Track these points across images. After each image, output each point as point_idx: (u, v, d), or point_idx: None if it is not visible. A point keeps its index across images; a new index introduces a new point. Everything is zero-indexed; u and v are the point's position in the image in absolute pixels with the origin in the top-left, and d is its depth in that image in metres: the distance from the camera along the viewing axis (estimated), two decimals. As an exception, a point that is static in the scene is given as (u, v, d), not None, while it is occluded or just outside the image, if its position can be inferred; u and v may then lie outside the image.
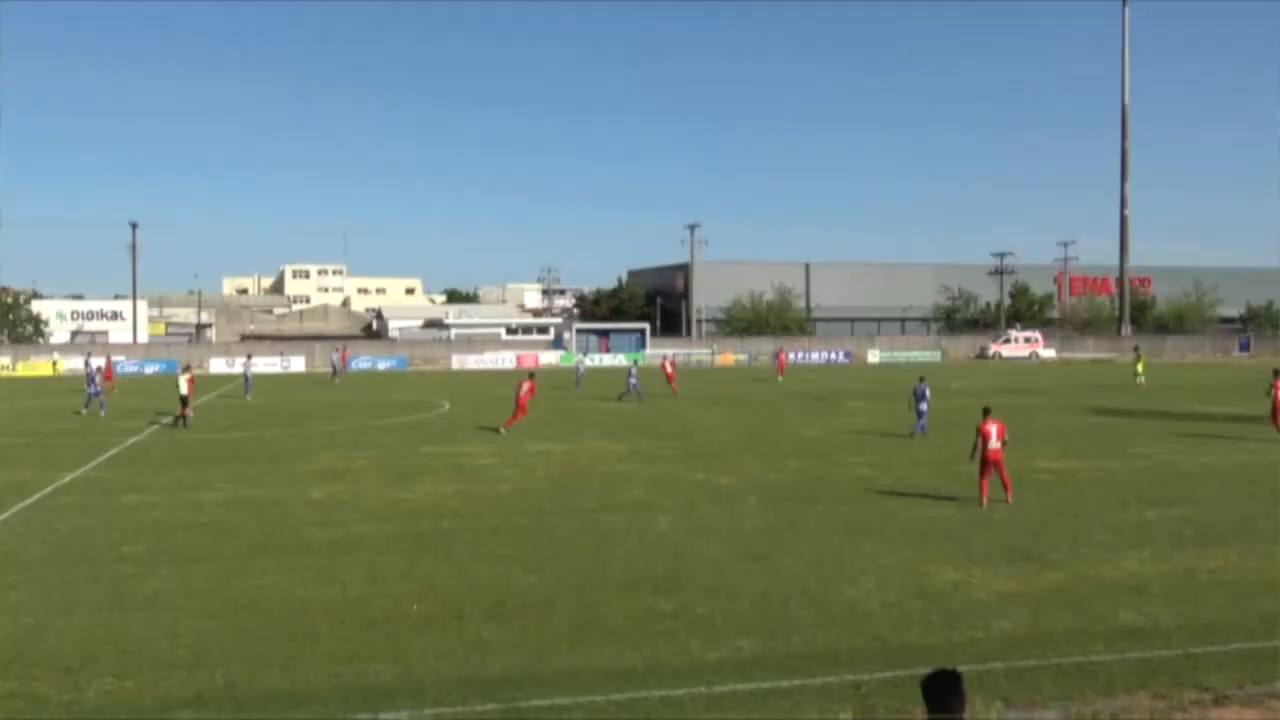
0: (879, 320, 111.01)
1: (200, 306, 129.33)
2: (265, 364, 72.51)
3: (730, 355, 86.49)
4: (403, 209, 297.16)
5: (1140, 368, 53.39)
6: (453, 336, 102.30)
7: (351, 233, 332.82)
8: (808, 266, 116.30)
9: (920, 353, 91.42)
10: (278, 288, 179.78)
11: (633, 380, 45.08)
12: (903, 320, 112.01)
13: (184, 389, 33.65)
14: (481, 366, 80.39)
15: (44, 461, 25.01)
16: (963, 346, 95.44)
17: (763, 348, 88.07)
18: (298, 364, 79.06)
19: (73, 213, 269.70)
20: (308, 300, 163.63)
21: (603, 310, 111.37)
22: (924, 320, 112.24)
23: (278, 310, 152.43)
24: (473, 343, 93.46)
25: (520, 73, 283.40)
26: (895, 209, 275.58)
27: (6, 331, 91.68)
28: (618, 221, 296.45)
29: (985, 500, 17.83)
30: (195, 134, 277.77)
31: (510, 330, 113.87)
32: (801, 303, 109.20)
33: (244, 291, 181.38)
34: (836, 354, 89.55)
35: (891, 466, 23.28)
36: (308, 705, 9.09)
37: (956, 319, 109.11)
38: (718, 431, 31.14)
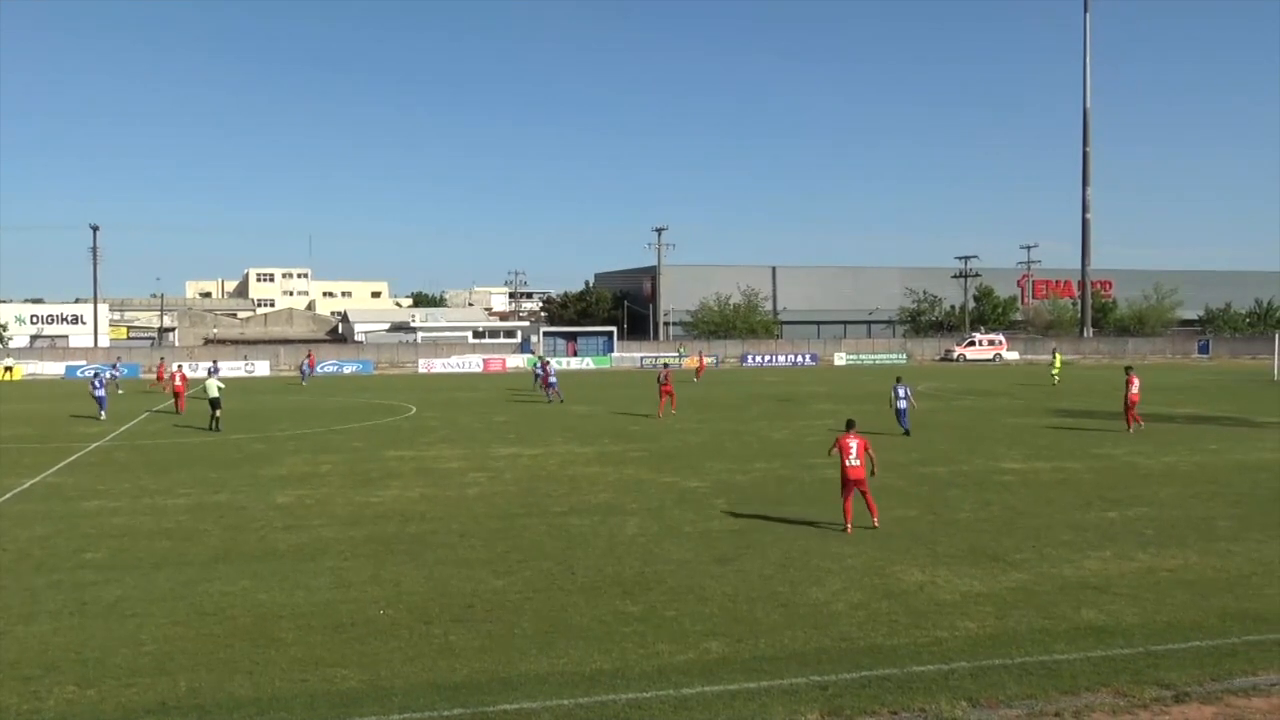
0: (845, 323, 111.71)
1: (163, 310, 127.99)
2: (229, 368, 71.84)
3: (696, 358, 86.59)
4: (368, 212, 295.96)
5: (1057, 366, 54.79)
6: (419, 340, 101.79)
7: (316, 236, 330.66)
8: (774, 270, 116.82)
9: (886, 355, 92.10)
10: (241, 291, 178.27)
11: (551, 380, 45.97)
12: (869, 323, 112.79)
13: (214, 392, 33.97)
14: (448, 370, 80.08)
15: (2, 468, 24.64)
16: (928, 349, 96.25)
17: (730, 350, 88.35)
18: (262, 368, 78.58)
19: (32, 215, 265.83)
20: (272, 304, 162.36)
21: (570, 313, 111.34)
22: (889, 323, 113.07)
23: (242, 314, 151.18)
24: (439, 346, 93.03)
25: (487, 75, 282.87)
26: (860, 213, 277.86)
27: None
28: (585, 225, 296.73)
29: (850, 524, 16.16)
30: (158, 136, 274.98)
31: (477, 334, 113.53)
32: (768, 305, 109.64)
33: (207, 295, 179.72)
34: (803, 356, 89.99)
35: (858, 468, 23.39)
36: (273, 712, 9.01)
37: (922, 321, 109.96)
38: (685, 434, 31.19)
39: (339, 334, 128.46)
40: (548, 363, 50.34)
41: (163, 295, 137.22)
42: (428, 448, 28.28)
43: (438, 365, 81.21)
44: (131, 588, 13.24)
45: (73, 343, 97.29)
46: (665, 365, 45.29)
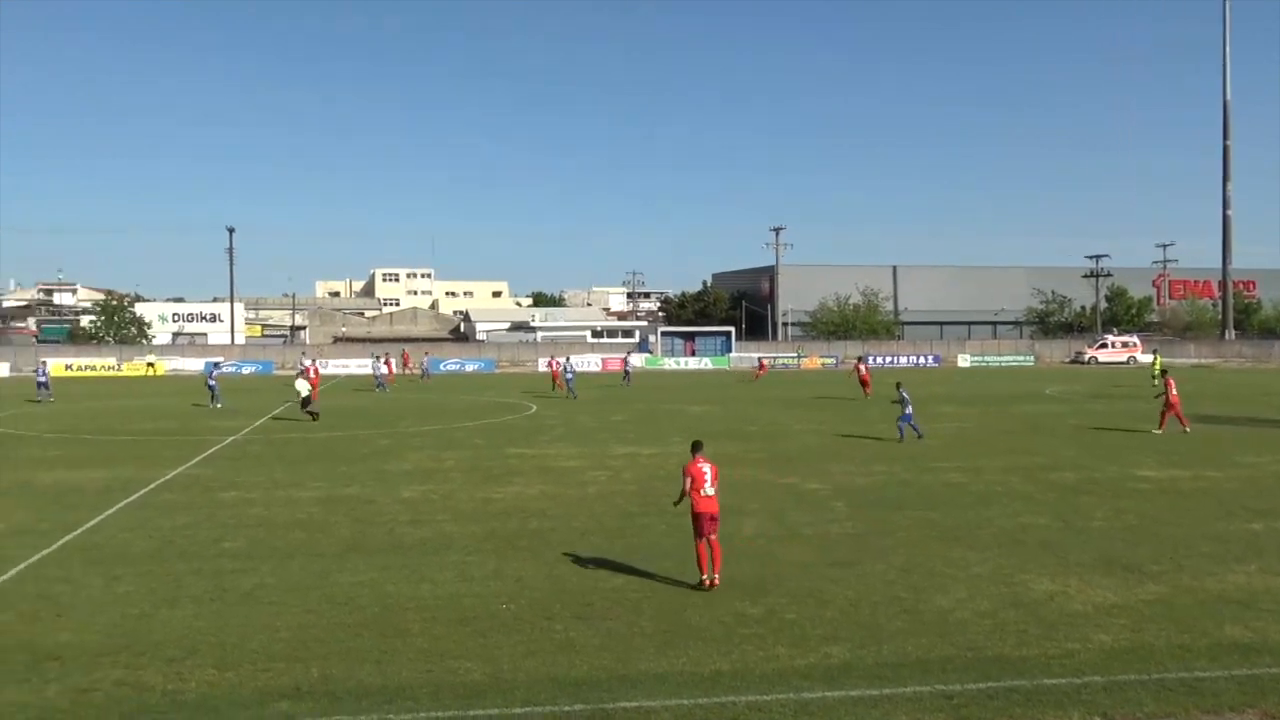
0: (969, 324, 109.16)
1: (294, 309, 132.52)
2: (358, 365, 74.12)
3: (816, 358, 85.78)
4: (490, 214, 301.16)
5: (1157, 369, 49.37)
6: (539, 339, 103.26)
7: (439, 237, 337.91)
8: (895, 269, 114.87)
9: (1013, 357, 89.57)
10: (368, 291, 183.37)
11: (569, 376, 48.22)
12: (994, 324, 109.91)
13: (304, 390, 37.03)
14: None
15: (147, 459, 25.87)
16: (1056, 351, 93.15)
17: (850, 351, 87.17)
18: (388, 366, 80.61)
19: (174, 218, 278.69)
20: (397, 303, 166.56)
21: (688, 313, 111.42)
22: (1016, 324, 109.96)
23: (369, 313, 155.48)
24: (558, 345, 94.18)
25: (607, 77, 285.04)
26: (986, 212, 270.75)
27: (112, 333, 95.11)
28: (703, 226, 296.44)
29: (706, 577, 12.96)
30: (290, 142, 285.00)
31: (595, 333, 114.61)
32: (889, 305, 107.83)
33: (336, 294, 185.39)
34: (925, 358, 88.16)
35: (982, 472, 22.83)
36: (400, 701, 9.24)
37: (1050, 323, 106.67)
38: (804, 435, 30.89)
39: (461, 333, 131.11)
40: (560, 360, 54.99)
41: (294, 295, 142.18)
42: (547, 446, 28.64)
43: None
44: (267, 576, 13.74)
45: (211, 340, 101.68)
46: (859, 359, 51.93)
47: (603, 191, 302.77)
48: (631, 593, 12.84)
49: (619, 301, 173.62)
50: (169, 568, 14.23)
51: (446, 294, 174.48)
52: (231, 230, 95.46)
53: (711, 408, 42.41)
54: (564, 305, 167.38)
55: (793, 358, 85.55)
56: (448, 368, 79.01)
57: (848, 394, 48.41)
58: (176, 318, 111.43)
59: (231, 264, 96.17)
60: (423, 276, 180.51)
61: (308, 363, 49.14)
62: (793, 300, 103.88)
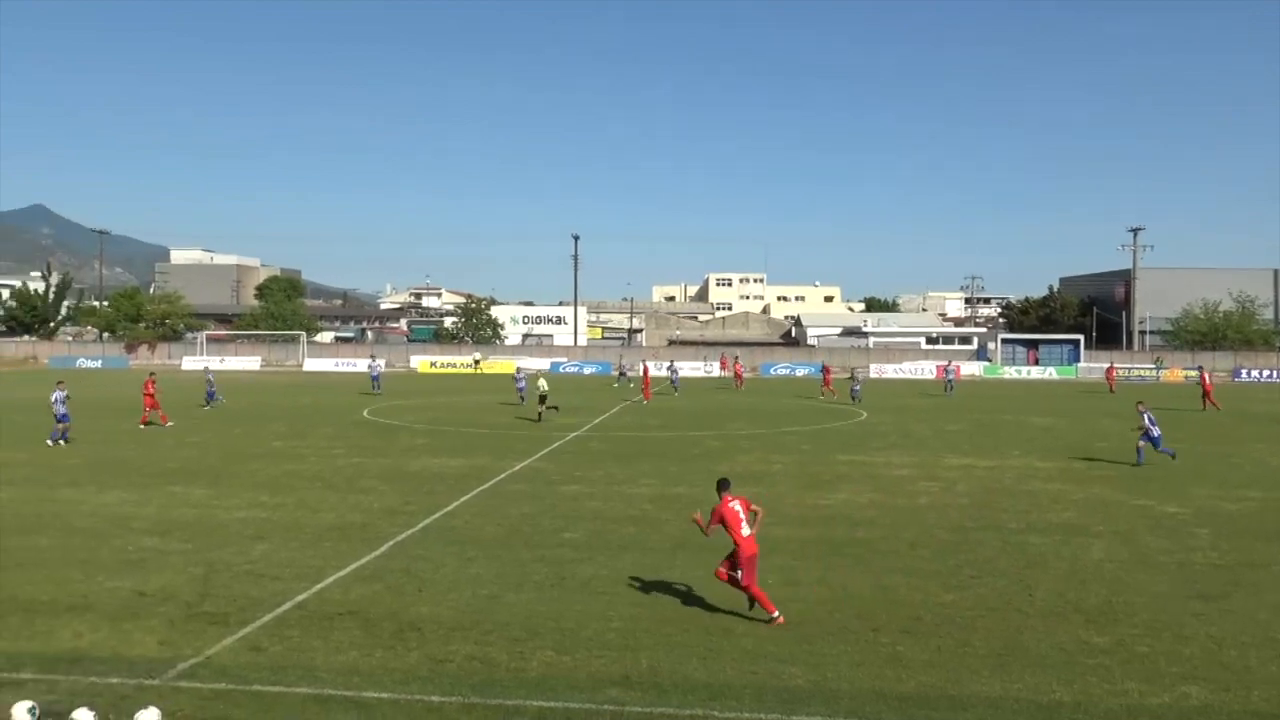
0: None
1: (632, 312, 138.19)
2: (689, 368, 76.25)
3: (1179, 370, 78.57)
4: (822, 219, 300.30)
5: None
6: (871, 345, 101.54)
7: (772, 242, 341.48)
8: (1276, 273, 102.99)
9: None
10: (702, 295, 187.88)
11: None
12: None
13: (543, 388, 38.47)
14: (900, 375, 79.11)
15: (499, 451, 27.86)
16: None
17: (1219, 363, 79.21)
18: (714, 368, 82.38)
19: (528, 229, 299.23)
20: (730, 307, 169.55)
21: (1031, 320, 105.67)
22: None
23: (702, 316, 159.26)
24: (891, 351, 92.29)
25: (945, 79, 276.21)
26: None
27: (471, 334, 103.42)
28: (1048, 227, 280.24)
29: (778, 613, 11.72)
30: (631, 154, 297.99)
31: (930, 339, 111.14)
32: (1268, 313, 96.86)
33: (671, 299, 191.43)
34: (1311, 372, 78.38)
35: (1383, 505, 19.95)
36: (724, 699, 9.35)
37: None
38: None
39: (792, 337, 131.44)
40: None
41: (632, 299, 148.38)
42: (878, 453, 28.08)
43: (889, 370, 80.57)
44: (602, 567, 14.38)
45: (556, 341, 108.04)
46: (1200, 368, 49.52)
47: (940, 193, 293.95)
48: (964, 610, 12.30)
49: (956, 307, 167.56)
50: (515, 553, 15.23)
51: (778, 298, 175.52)
52: (576, 238, 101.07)
53: (1057, 420, 39.89)
54: (897, 310, 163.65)
55: (1150, 369, 78.86)
56: (777, 371, 79.64)
57: (1198, 407, 43.89)
58: (526, 320, 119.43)
59: (576, 270, 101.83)
60: (755, 281, 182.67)
61: (642, 362, 51.25)
62: (1151, 306, 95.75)
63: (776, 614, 11.68)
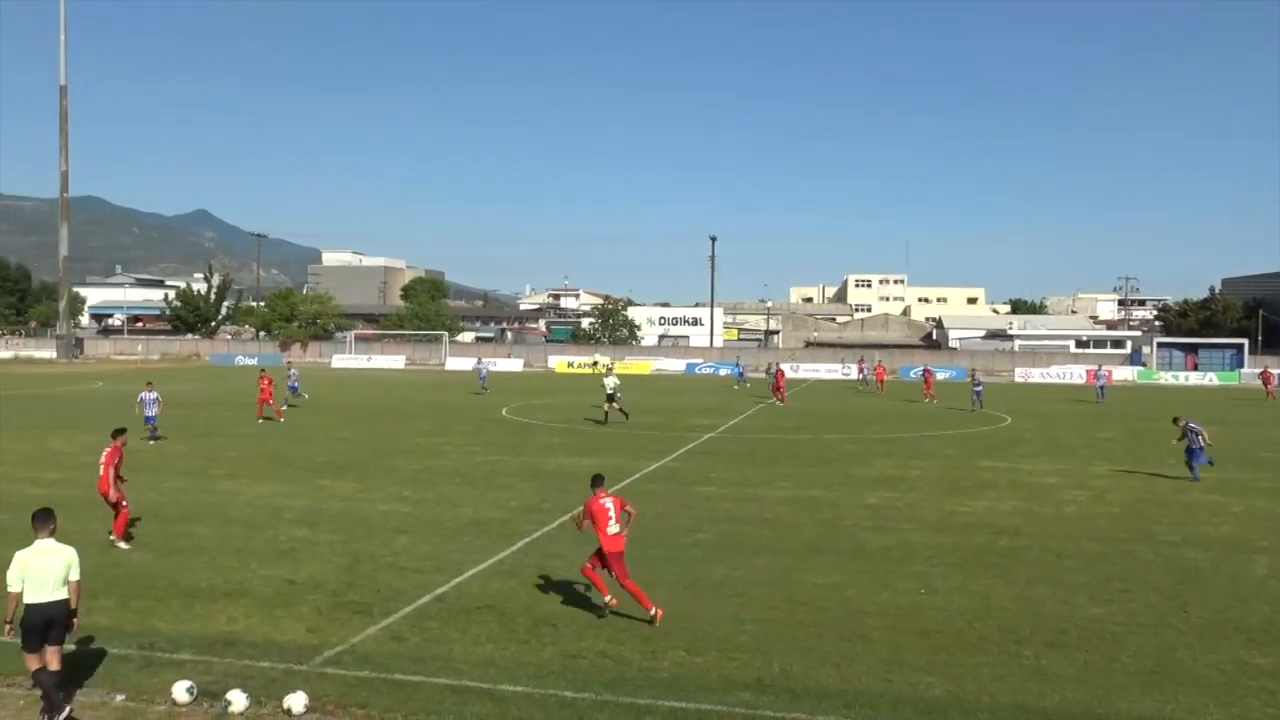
0: None
1: (769, 314, 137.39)
2: (826, 370, 75.29)
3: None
4: (965, 218, 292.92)
5: None
6: (1016, 348, 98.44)
7: (913, 242, 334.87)
8: None
9: None
10: (840, 297, 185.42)
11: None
12: None
13: (609, 388, 37.30)
14: (1047, 380, 76.51)
15: (633, 451, 28.03)
16: None
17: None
18: (852, 370, 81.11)
19: (664, 229, 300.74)
20: (869, 309, 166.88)
21: (1190, 323, 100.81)
22: None
23: (840, 318, 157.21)
24: (1038, 355, 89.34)
25: (1091, 74, 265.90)
26: None
27: (607, 334, 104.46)
28: (1208, 226, 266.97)
29: (610, 597, 11.97)
30: (771, 153, 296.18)
31: (1080, 343, 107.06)
32: None
33: (809, 300, 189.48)
34: None
35: None
36: (859, 707, 9.18)
37: None
38: (1334, 466, 26.61)
39: (933, 340, 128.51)
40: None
41: (769, 300, 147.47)
42: (1022, 460, 27.19)
43: (1035, 375, 78.01)
44: (734, 569, 14.32)
45: (692, 342, 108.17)
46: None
47: (1093, 190, 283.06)
48: (1113, 625, 11.79)
49: (1108, 309, 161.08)
50: (648, 553, 15.27)
51: (919, 300, 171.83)
52: (714, 239, 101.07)
53: (1216, 428, 37.87)
54: (1045, 313, 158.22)
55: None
56: (917, 375, 77.84)
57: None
58: (663, 321, 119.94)
59: (713, 271, 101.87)
60: (895, 282, 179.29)
61: (776, 366, 50.76)
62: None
63: (654, 611, 11.67)
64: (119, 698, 9.31)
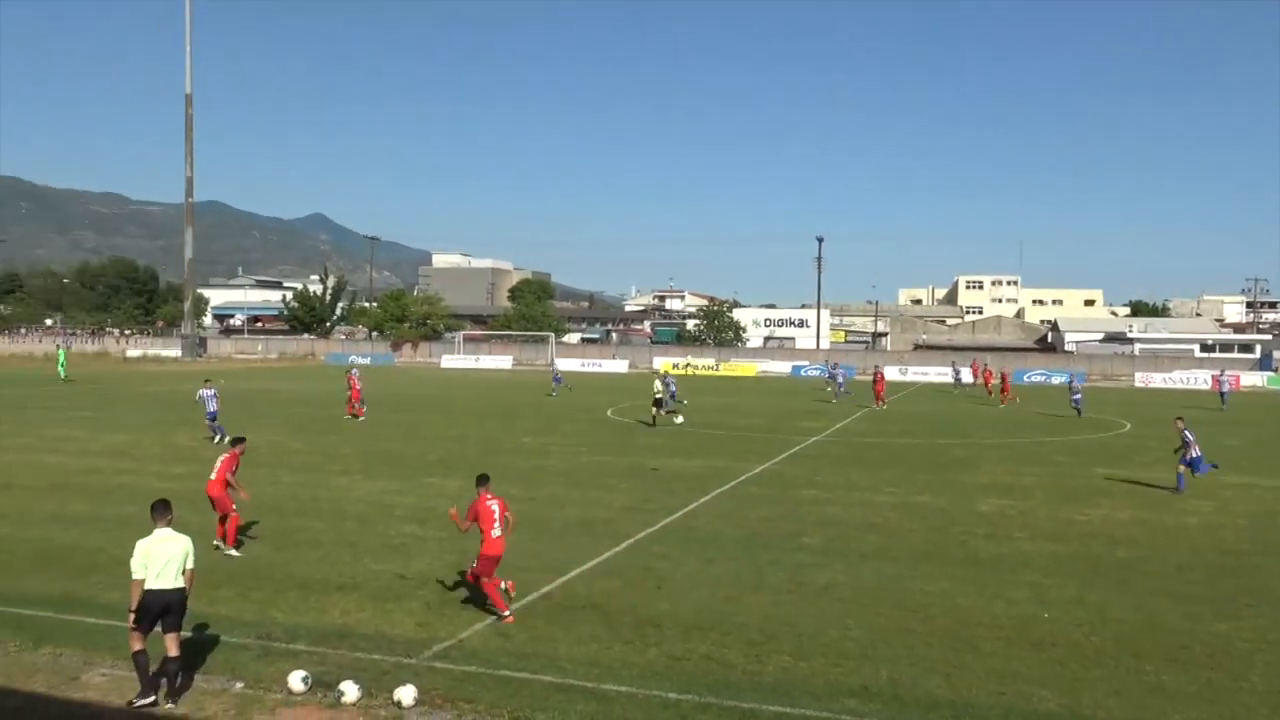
0: None
1: (877, 315, 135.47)
2: (936, 373, 73.89)
3: None
4: (1082, 218, 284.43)
5: None
6: (1136, 352, 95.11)
7: (1027, 243, 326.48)
8: None
9: None
10: (951, 298, 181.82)
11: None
12: None
13: (658, 391, 36.17)
14: (1169, 385, 73.71)
15: (738, 453, 27.92)
16: None
17: None
18: (967, 374, 79.41)
19: (770, 230, 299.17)
20: (980, 311, 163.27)
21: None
22: None
23: (950, 320, 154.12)
24: (1159, 359, 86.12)
25: (1221, 64, 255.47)
26: None
27: (712, 336, 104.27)
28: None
29: (509, 612, 11.85)
30: (875, 154, 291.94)
31: (1205, 347, 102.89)
32: None
33: (918, 302, 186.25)
34: None
35: None
36: (968, 718, 8.99)
37: None
38: None
39: (1048, 343, 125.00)
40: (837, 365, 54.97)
41: (877, 302, 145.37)
42: (1143, 469, 26.22)
43: (1156, 380, 75.24)
44: (840, 574, 14.14)
45: (798, 344, 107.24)
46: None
47: (1221, 188, 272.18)
48: (1240, 642, 11.30)
49: (1235, 312, 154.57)
50: (753, 556, 15.21)
51: (1033, 302, 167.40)
52: (820, 240, 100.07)
53: (1352, 438, 36.05)
54: (1167, 315, 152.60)
55: None
56: (1031, 379, 75.81)
57: None
58: (768, 323, 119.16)
59: (820, 272, 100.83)
60: (1008, 284, 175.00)
61: (876, 368, 49.98)
62: None
63: (508, 613, 11.76)
64: (238, 685, 9.64)
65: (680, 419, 36.39)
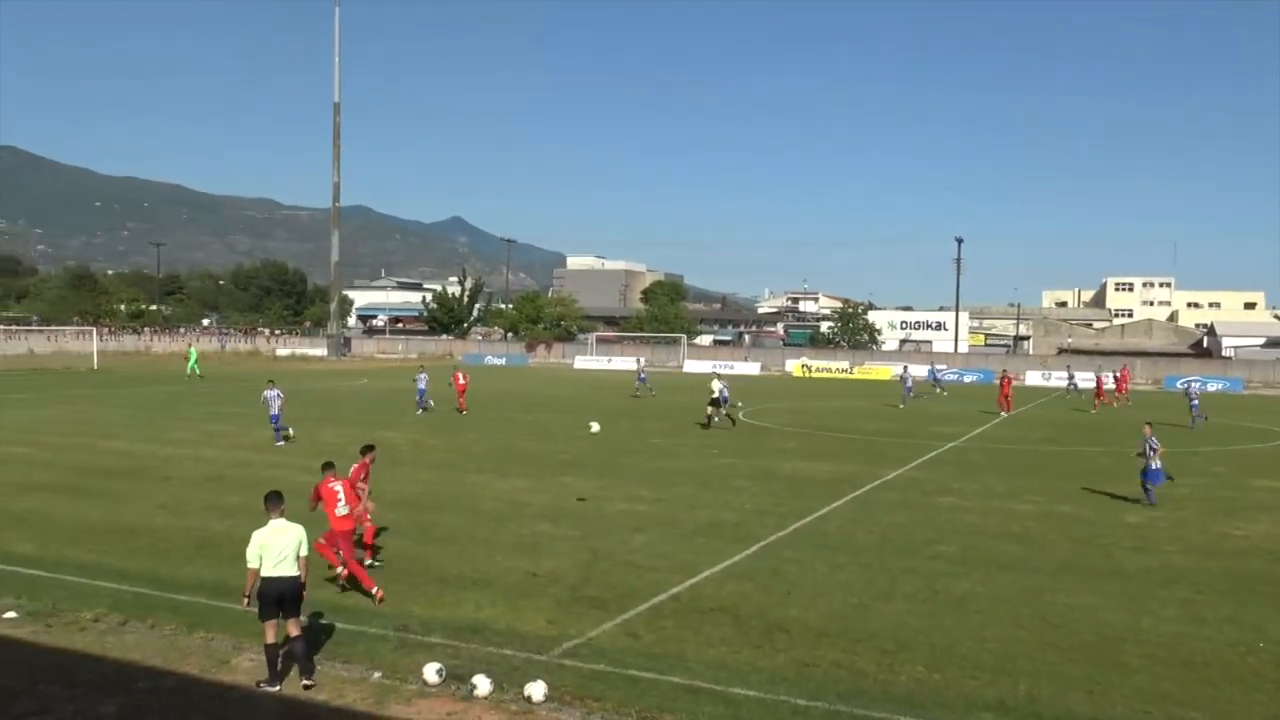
0: None
1: (1019, 318, 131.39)
2: (1082, 379, 71.18)
3: None
4: (1242, 216, 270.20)
5: None
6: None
7: (1182, 243, 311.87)
8: None
9: None
10: (1098, 301, 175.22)
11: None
12: None
13: (716, 391, 35.46)
14: (1336, 393, 69.33)
15: (872, 458, 27.44)
16: None
17: None
18: (1081, 380, 76.22)
19: (907, 231, 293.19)
20: (1130, 314, 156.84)
21: None
22: None
23: (1097, 324, 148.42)
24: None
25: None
26: None
27: (846, 338, 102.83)
28: None
29: (377, 589, 12.50)
30: (1019, 154, 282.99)
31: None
32: None
33: (1063, 304, 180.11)
34: None
35: None
36: (1113, 738, 8.62)
37: None
38: None
39: (1203, 348, 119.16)
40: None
41: (1019, 304, 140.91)
42: (1306, 480, 24.75)
43: (1322, 387, 70.87)
44: (978, 584, 13.75)
45: (935, 347, 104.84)
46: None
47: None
48: None
49: None
50: (886, 563, 14.92)
51: (1188, 305, 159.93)
52: (959, 241, 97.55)
53: None
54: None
55: None
56: (1180, 386, 72.28)
57: None
58: (904, 325, 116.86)
59: (959, 273, 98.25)
60: (1160, 286, 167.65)
61: (1005, 372, 48.19)
62: None
63: (376, 590, 12.40)
64: (376, 675, 9.95)
65: (730, 422, 35.72)
